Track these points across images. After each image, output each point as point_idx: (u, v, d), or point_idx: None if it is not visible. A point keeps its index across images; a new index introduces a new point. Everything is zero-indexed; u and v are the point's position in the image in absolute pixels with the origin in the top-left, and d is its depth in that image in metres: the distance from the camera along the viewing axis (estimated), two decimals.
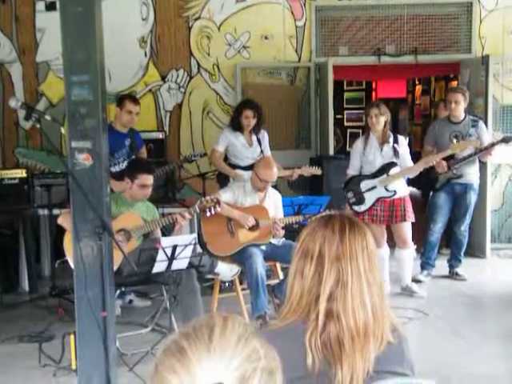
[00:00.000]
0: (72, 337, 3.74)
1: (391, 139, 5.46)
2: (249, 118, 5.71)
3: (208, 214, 4.54)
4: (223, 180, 5.94)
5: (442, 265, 6.27)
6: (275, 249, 4.94)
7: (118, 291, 4.73)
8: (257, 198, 4.98)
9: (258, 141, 5.84)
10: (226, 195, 4.90)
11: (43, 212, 5.93)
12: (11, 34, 7.13)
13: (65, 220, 4.27)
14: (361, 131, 10.29)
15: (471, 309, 5.35)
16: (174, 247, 4.08)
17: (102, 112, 3.44)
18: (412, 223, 5.55)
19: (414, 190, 6.23)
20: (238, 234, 4.86)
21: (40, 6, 7.02)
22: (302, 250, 1.71)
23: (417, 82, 11.72)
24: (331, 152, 7.09)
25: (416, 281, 5.82)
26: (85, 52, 3.39)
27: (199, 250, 4.72)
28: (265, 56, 7.25)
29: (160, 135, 6.82)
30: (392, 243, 5.64)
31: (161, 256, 4.09)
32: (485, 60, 6.85)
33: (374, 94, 11.86)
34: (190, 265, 4.30)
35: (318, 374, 1.60)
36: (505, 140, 5.84)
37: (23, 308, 5.52)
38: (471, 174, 5.96)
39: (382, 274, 5.03)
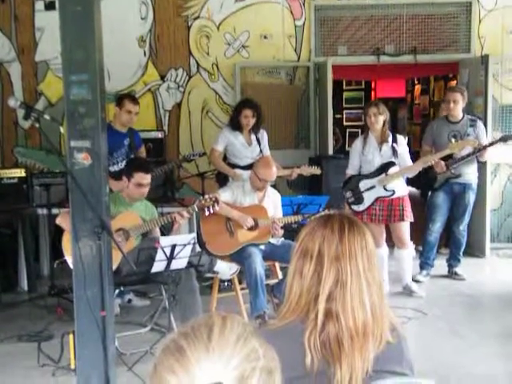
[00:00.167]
0: (71, 336, 3.73)
1: (390, 139, 5.46)
2: (248, 118, 5.71)
3: (207, 213, 4.54)
4: (222, 179, 5.94)
5: (441, 264, 6.28)
6: (274, 248, 4.94)
7: (117, 291, 4.73)
8: (256, 198, 4.98)
9: (258, 140, 5.84)
10: (225, 195, 4.90)
11: (42, 211, 5.93)
12: (10, 33, 7.13)
13: (63, 220, 4.27)
14: (360, 131, 10.29)
15: (470, 308, 5.36)
16: (173, 246, 4.08)
17: (101, 111, 3.44)
18: (411, 223, 5.55)
19: (413, 189, 6.22)
20: (237, 234, 4.86)
21: (39, 5, 7.02)
22: (302, 249, 1.71)
23: (416, 82, 11.72)
24: (330, 152, 7.09)
25: (415, 281, 5.82)
26: (84, 51, 3.39)
27: (198, 249, 4.72)
28: (264, 55, 7.25)
29: (159, 135, 6.82)
30: (391, 243, 5.65)
31: (160, 255, 4.09)
32: (484, 60, 6.85)
33: (373, 93, 11.87)
34: (189, 264, 4.30)
35: (317, 373, 1.60)
36: (503, 139, 5.84)
37: (22, 307, 5.51)
38: (469, 173, 5.96)
39: (381, 273, 5.03)
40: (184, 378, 0.96)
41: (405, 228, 5.51)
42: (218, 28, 7.21)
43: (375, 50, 7.34)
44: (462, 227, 6.09)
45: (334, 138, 7.27)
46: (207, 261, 4.56)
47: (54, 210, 5.64)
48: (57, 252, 5.02)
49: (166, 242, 4.10)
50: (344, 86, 11.59)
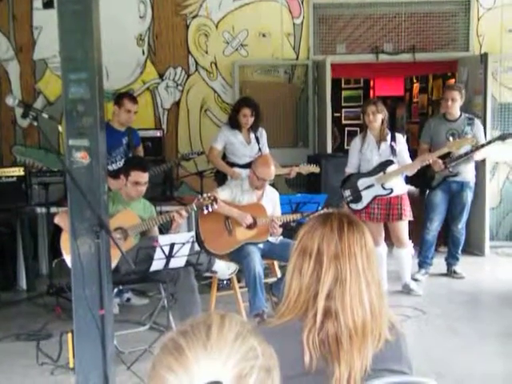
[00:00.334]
0: (69, 335, 3.73)
1: (389, 137, 5.46)
2: (247, 117, 5.71)
3: (205, 211, 4.54)
4: (221, 178, 5.93)
5: (439, 263, 6.28)
6: (273, 247, 4.94)
7: (116, 289, 4.73)
8: (254, 196, 4.97)
9: (256, 139, 5.84)
10: (223, 193, 4.89)
11: (41, 210, 5.93)
12: (8, 31, 7.12)
13: (61, 219, 4.27)
14: (359, 129, 10.29)
15: (469, 307, 5.36)
16: (172, 245, 4.08)
17: (99, 110, 3.43)
18: (410, 221, 5.55)
19: (412, 188, 6.22)
20: (235, 232, 4.86)
21: (37, 3, 7.00)
22: (301, 247, 1.71)
23: (414, 80, 11.71)
24: (329, 150, 7.09)
25: (413, 280, 5.83)
26: (82, 50, 3.38)
27: (197, 248, 4.72)
28: (263, 54, 7.25)
29: (158, 133, 6.81)
30: (390, 242, 5.64)
31: (158, 254, 4.08)
32: (483, 58, 6.85)
33: (371, 92, 11.86)
34: (188, 263, 4.29)
35: (316, 371, 1.60)
36: (501, 138, 5.83)
37: (21, 306, 5.51)
38: (467, 172, 5.96)
39: (380, 272, 5.03)
40: (183, 376, 0.96)
41: (403, 227, 5.51)
42: (216, 26, 7.21)
43: (374, 48, 7.34)
44: (461, 226, 6.09)
45: (332, 136, 7.26)
46: (206, 260, 4.56)
47: (53, 209, 5.64)
48: (55, 251, 5.02)
49: (164, 240, 4.10)
50: (343, 85, 11.57)
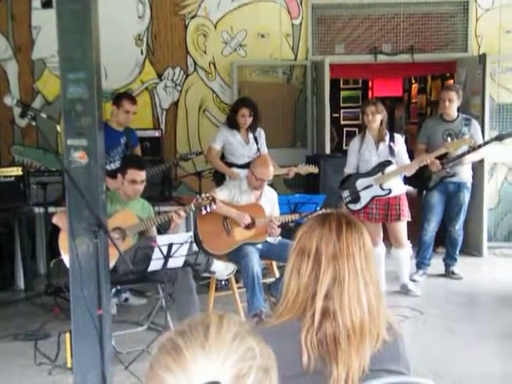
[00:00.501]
0: (67, 335, 3.74)
1: (387, 137, 5.47)
2: (245, 117, 5.71)
3: (203, 211, 4.54)
4: (219, 178, 5.93)
5: (438, 263, 6.28)
6: (271, 247, 4.94)
7: (114, 289, 4.72)
8: (253, 197, 4.97)
9: (255, 139, 5.84)
10: (221, 193, 4.89)
11: (39, 210, 5.93)
12: (7, 31, 7.11)
13: (59, 219, 4.26)
14: (357, 130, 10.28)
15: (467, 307, 5.36)
16: (170, 245, 4.08)
17: (97, 110, 3.43)
18: (408, 222, 5.55)
19: (410, 188, 6.23)
20: (233, 233, 4.86)
21: (36, 3, 6.99)
22: (299, 248, 1.71)
23: (413, 81, 11.71)
24: (328, 150, 7.09)
25: (411, 280, 5.83)
26: (81, 50, 3.38)
27: (195, 248, 4.71)
28: (261, 54, 7.25)
29: (156, 133, 6.80)
30: (389, 242, 5.65)
31: (156, 254, 4.08)
32: (481, 59, 6.85)
33: (370, 92, 11.85)
34: (186, 263, 4.29)
35: (314, 372, 1.60)
36: (498, 138, 5.82)
37: (18, 306, 5.51)
38: (464, 172, 5.96)
39: (378, 272, 5.03)
40: (181, 376, 0.96)
41: (402, 227, 5.52)
42: (215, 27, 7.21)
43: (372, 48, 7.34)
44: (458, 226, 6.09)
45: (330, 136, 7.26)
46: (204, 260, 4.56)
47: (51, 209, 5.62)
48: (53, 251, 5.02)
49: (162, 240, 4.10)
50: (341, 85, 11.57)
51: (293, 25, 7.26)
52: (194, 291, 4.41)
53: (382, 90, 11.90)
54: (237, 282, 4.98)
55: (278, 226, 4.84)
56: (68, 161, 3.40)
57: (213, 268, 4.66)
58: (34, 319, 5.04)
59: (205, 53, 7.23)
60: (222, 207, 4.79)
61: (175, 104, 7.27)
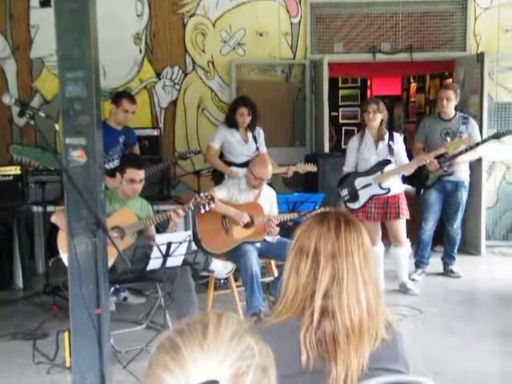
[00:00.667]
0: (66, 334, 3.73)
1: (386, 136, 5.47)
2: (244, 116, 5.71)
3: (202, 210, 4.53)
4: (218, 177, 5.93)
5: (436, 262, 6.29)
6: (270, 246, 4.94)
7: (113, 288, 4.72)
8: (251, 196, 4.97)
9: (254, 138, 5.83)
10: (220, 192, 4.89)
11: (37, 209, 5.92)
12: (5, 30, 7.11)
13: (58, 218, 4.26)
14: (356, 129, 10.28)
15: (465, 306, 5.37)
16: (169, 244, 4.07)
17: (96, 109, 3.43)
18: (407, 220, 5.56)
19: (409, 187, 6.23)
20: (232, 232, 4.86)
21: (34, 2, 6.98)
22: (298, 247, 1.71)
23: (412, 80, 11.72)
24: (326, 149, 7.09)
25: (410, 279, 5.83)
26: (79, 48, 3.38)
27: (194, 247, 4.71)
28: (260, 53, 7.24)
29: (155, 132, 6.80)
30: (387, 241, 5.65)
31: (155, 253, 4.08)
32: (480, 58, 6.86)
33: (368, 91, 11.86)
34: (185, 262, 4.29)
35: (313, 371, 1.60)
36: (496, 136, 5.82)
37: (17, 305, 5.50)
38: (462, 171, 5.96)
39: (377, 271, 5.03)
40: (179, 375, 0.95)
41: (401, 226, 5.52)
42: (213, 25, 7.20)
43: (371, 47, 7.35)
44: (456, 225, 6.10)
45: (328, 135, 7.26)
46: (203, 259, 4.56)
47: (49, 208, 5.62)
48: (52, 250, 5.01)
49: (161, 239, 4.09)
50: (340, 84, 11.57)
51: (291, 23, 7.25)
52: (193, 290, 4.41)
53: (380, 89, 11.90)
54: (235, 280, 4.98)
55: (277, 225, 4.84)
56: (66, 160, 3.40)
57: (212, 267, 4.66)
58: (32, 318, 5.03)
59: (203, 51, 7.23)
60: (221, 206, 4.79)
61: (174, 103, 7.27)
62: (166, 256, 4.12)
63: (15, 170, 5.98)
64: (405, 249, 5.61)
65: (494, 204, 7.37)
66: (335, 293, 1.64)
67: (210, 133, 6.38)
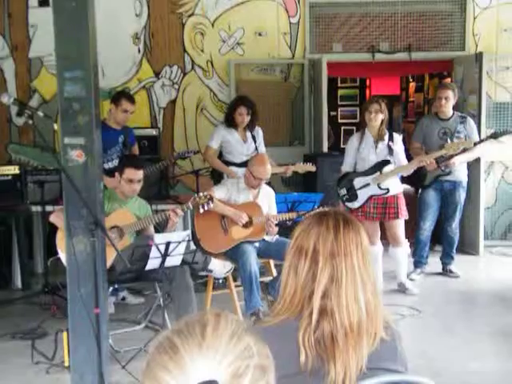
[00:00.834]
0: (65, 334, 3.73)
1: (386, 137, 5.46)
2: (243, 115, 5.70)
3: (201, 210, 4.53)
4: (217, 177, 5.93)
5: (435, 261, 6.29)
6: (269, 246, 4.94)
7: (111, 288, 4.72)
8: (250, 195, 4.97)
9: (253, 137, 5.83)
10: (219, 192, 4.89)
11: (36, 209, 5.92)
12: (3, 29, 7.09)
13: (57, 218, 4.26)
14: (355, 128, 10.30)
15: (464, 306, 5.37)
16: (167, 244, 4.07)
17: (95, 108, 3.43)
18: (405, 220, 5.56)
19: (407, 187, 6.24)
20: (231, 231, 4.86)
21: (33, 1, 6.98)
22: (297, 246, 1.71)
23: (410, 80, 11.73)
24: (325, 149, 7.09)
25: (409, 279, 5.82)
26: (78, 48, 3.38)
27: (193, 246, 4.71)
28: (259, 52, 7.24)
29: (154, 132, 6.80)
30: (386, 241, 5.65)
31: (154, 253, 4.08)
32: (478, 57, 6.86)
33: (367, 91, 11.87)
34: (184, 262, 4.29)
35: (311, 371, 1.60)
36: (493, 136, 5.82)
37: (16, 305, 5.50)
38: (460, 171, 5.95)
39: (376, 271, 5.04)
40: (178, 375, 0.95)
41: (400, 226, 5.52)
42: (212, 25, 7.20)
43: (370, 47, 7.35)
44: (454, 225, 6.09)
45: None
46: (201, 258, 4.56)
47: (48, 208, 5.62)
48: (51, 249, 5.01)
49: (160, 239, 4.09)
50: (339, 84, 11.58)
51: (290, 23, 7.25)
52: (192, 290, 4.41)
53: (379, 89, 11.91)
54: (234, 280, 4.98)
55: (276, 225, 4.84)
56: (65, 159, 3.40)
57: (210, 266, 4.66)
58: (31, 318, 5.03)
59: (202, 51, 7.22)
60: (220, 206, 4.79)
61: (173, 102, 7.26)
62: (164, 256, 4.11)
63: (14, 170, 5.98)
64: (403, 249, 5.61)
65: (493, 204, 7.37)
66: (334, 293, 1.64)
67: (208, 132, 6.37)
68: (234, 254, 4.75)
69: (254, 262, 4.63)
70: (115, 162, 5.30)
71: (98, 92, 3.53)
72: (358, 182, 5.47)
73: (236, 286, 4.90)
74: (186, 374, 0.95)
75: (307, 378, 1.60)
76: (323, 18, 7.31)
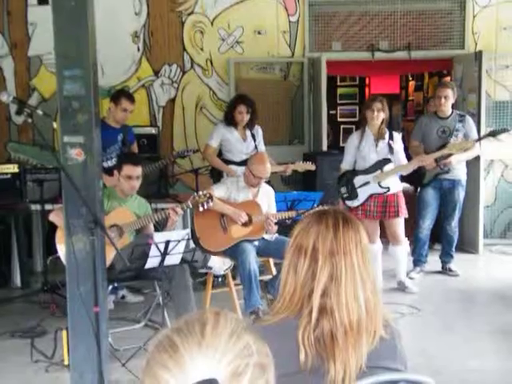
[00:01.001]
0: (64, 332, 3.73)
1: (387, 136, 5.46)
2: (242, 114, 5.70)
3: (201, 209, 4.53)
4: (216, 175, 5.92)
5: (434, 260, 6.29)
6: (268, 244, 4.93)
7: (111, 287, 4.72)
8: (250, 194, 4.97)
9: (252, 136, 5.83)
10: (218, 191, 4.89)
11: (35, 207, 5.91)
12: (3, 28, 7.09)
13: (56, 217, 4.26)
14: (354, 127, 10.28)
15: (463, 304, 5.37)
16: (167, 242, 4.07)
17: (94, 107, 3.43)
18: (405, 218, 5.56)
19: (407, 185, 6.24)
20: (230, 230, 4.85)
21: None
22: (296, 245, 1.71)
23: (410, 78, 11.73)
24: (325, 147, 7.09)
25: (408, 278, 5.83)
26: (77, 47, 3.37)
27: (192, 245, 4.71)
28: (258, 51, 7.24)
29: (153, 130, 6.80)
30: (386, 239, 5.65)
31: (153, 251, 4.08)
32: (478, 56, 6.86)
33: (367, 89, 11.86)
34: (183, 260, 4.29)
35: (311, 369, 1.60)
36: (491, 134, 5.81)
37: (15, 303, 5.50)
38: (459, 169, 5.95)
39: (375, 269, 5.04)
40: (177, 374, 0.95)
41: (399, 224, 5.52)
42: (211, 23, 7.19)
43: (369, 46, 7.34)
44: (454, 224, 6.09)
45: None
46: (201, 257, 4.56)
47: (48, 206, 5.62)
48: (50, 248, 5.01)
49: (159, 237, 4.09)
50: (338, 82, 11.58)
51: (290, 22, 7.25)
52: (191, 288, 4.41)
53: (379, 87, 11.90)
54: (234, 278, 4.99)
55: (275, 223, 4.84)
56: (64, 158, 3.40)
57: (210, 263, 4.66)
58: (30, 316, 5.03)
59: (201, 50, 7.22)
60: (219, 204, 4.79)
61: (172, 101, 7.26)
62: (164, 254, 4.11)
63: (13, 168, 5.98)
64: (403, 247, 5.61)
65: (492, 202, 7.37)
66: (333, 291, 1.64)
67: (208, 131, 6.37)
68: (233, 253, 4.75)
69: (253, 261, 4.63)
70: (114, 161, 5.30)
71: (97, 90, 3.52)
72: (358, 180, 5.47)
73: (235, 285, 4.90)
74: (186, 372, 0.95)
75: (307, 376, 1.60)
76: (322, 17, 7.30)
